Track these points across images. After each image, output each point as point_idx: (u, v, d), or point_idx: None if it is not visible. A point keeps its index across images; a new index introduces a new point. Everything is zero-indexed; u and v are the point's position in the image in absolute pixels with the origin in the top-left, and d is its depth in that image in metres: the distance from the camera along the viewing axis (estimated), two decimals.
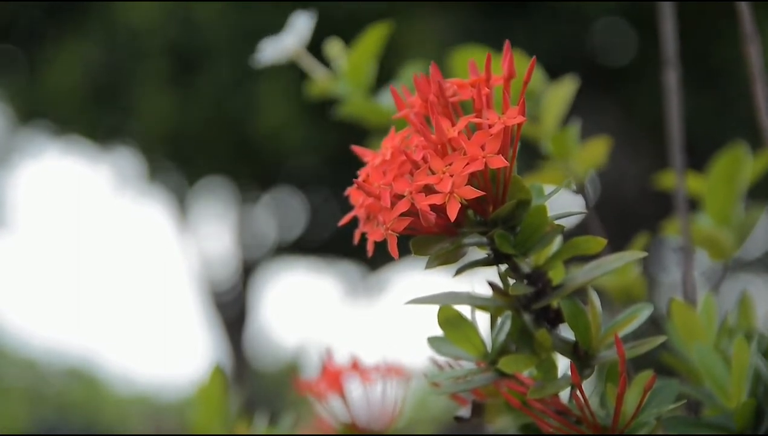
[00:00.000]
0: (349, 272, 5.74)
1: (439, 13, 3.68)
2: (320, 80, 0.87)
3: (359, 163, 0.56)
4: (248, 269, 5.68)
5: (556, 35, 3.72)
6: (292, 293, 7.61)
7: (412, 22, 3.64)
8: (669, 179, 0.87)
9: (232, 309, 5.70)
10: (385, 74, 0.87)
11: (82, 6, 4.14)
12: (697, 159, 0.89)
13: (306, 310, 7.98)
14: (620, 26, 4.10)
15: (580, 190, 0.82)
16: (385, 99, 0.86)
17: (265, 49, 0.86)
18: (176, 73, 3.97)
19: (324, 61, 0.89)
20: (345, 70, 0.86)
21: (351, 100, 0.86)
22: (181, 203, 5.41)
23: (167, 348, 12.12)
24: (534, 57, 0.54)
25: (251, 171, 4.65)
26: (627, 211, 4.12)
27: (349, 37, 0.89)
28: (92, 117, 4.34)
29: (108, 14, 4.04)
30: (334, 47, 0.87)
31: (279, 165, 4.57)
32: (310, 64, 0.87)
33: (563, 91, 0.82)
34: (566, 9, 3.72)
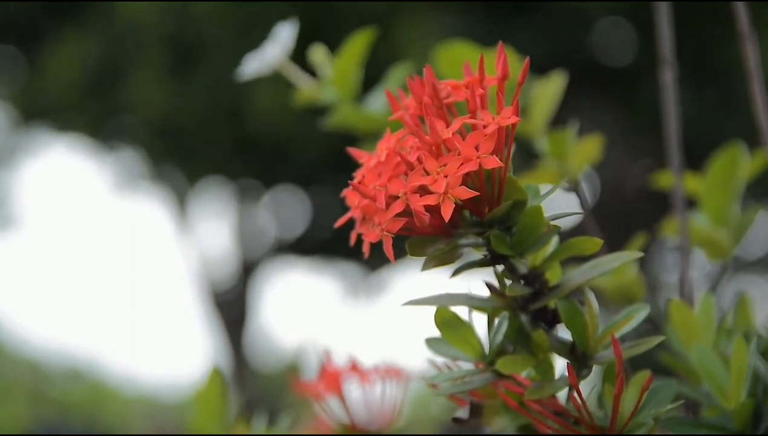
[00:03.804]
0: (350, 272, 5.74)
1: (440, 13, 3.68)
2: (306, 89, 0.87)
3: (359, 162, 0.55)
4: (248, 269, 5.68)
5: (557, 35, 3.72)
6: (292, 293, 7.62)
7: (413, 21, 3.64)
8: (666, 179, 0.87)
9: (232, 309, 5.70)
10: (382, 76, 0.87)
11: (82, 3, 4.15)
12: (701, 158, 0.89)
13: (306, 310, 7.99)
14: (621, 26, 4.10)
15: (575, 188, 0.82)
16: (375, 104, 0.86)
17: (248, 62, 0.86)
18: (174, 65, 3.98)
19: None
20: (331, 78, 0.85)
21: (339, 109, 0.85)
22: (182, 203, 5.41)
23: (168, 348, 12.13)
24: (528, 57, 0.54)
25: (251, 168, 4.64)
26: (628, 211, 4.12)
27: (348, 37, 0.89)
28: (92, 112, 4.35)
29: (107, 9, 4.05)
30: (318, 54, 0.86)
31: (280, 161, 4.57)
32: (295, 73, 0.87)
33: (552, 86, 0.82)
34: (567, 9, 3.72)
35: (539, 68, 0.84)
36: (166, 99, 4.01)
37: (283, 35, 0.85)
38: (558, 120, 0.86)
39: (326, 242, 5.21)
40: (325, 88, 0.86)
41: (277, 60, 0.84)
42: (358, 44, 0.85)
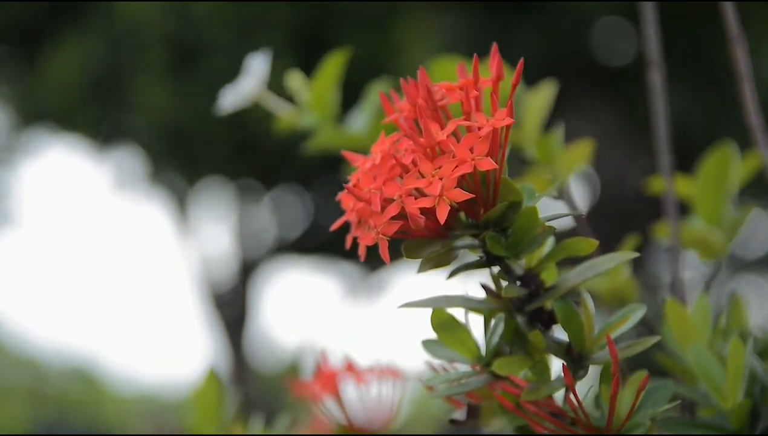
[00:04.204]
0: (350, 272, 5.74)
1: (440, 13, 3.68)
2: (286, 116, 0.87)
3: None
4: (248, 269, 5.68)
5: (557, 35, 3.71)
6: (292, 293, 7.61)
7: (412, 21, 3.64)
8: (659, 183, 0.87)
9: (232, 309, 5.69)
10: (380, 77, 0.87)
11: (82, 4, 4.15)
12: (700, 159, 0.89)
13: (306, 310, 7.98)
14: (620, 26, 4.10)
15: (564, 194, 0.82)
16: (355, 124, 0.86)
17: (226, 95, 0.86)
18: (175, 67, 3.97)
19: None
20: (309, 102, 0.85)
21: (319, 132, 0.85)
22: (182, 203, 5.41)
23: (168, 348, 12.14)
24: (522, 59, 0.54)
25: (252, 168, 4.64)
26: (628, 211, 4.12)
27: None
28: (93, 113, 4.35)
29: (107, 10, 4.05)
30: (294, 80, 0.86)
31: (280, 161, 4.56)
32: (273, 102, 0.86)
33: (542, 95, 0.82)
34: (567, 9, 3.72)
35: (539, 68, 0.84)
36: (167, 99, 4.01)
37: (257, 66, 0.85)
38: (557, 121, 0.86)
39: (327, 241, 5.21)
40: (304, 114, 0.86)
41: (254, 91, 0.84)
42: (333, 66, 0.85)
